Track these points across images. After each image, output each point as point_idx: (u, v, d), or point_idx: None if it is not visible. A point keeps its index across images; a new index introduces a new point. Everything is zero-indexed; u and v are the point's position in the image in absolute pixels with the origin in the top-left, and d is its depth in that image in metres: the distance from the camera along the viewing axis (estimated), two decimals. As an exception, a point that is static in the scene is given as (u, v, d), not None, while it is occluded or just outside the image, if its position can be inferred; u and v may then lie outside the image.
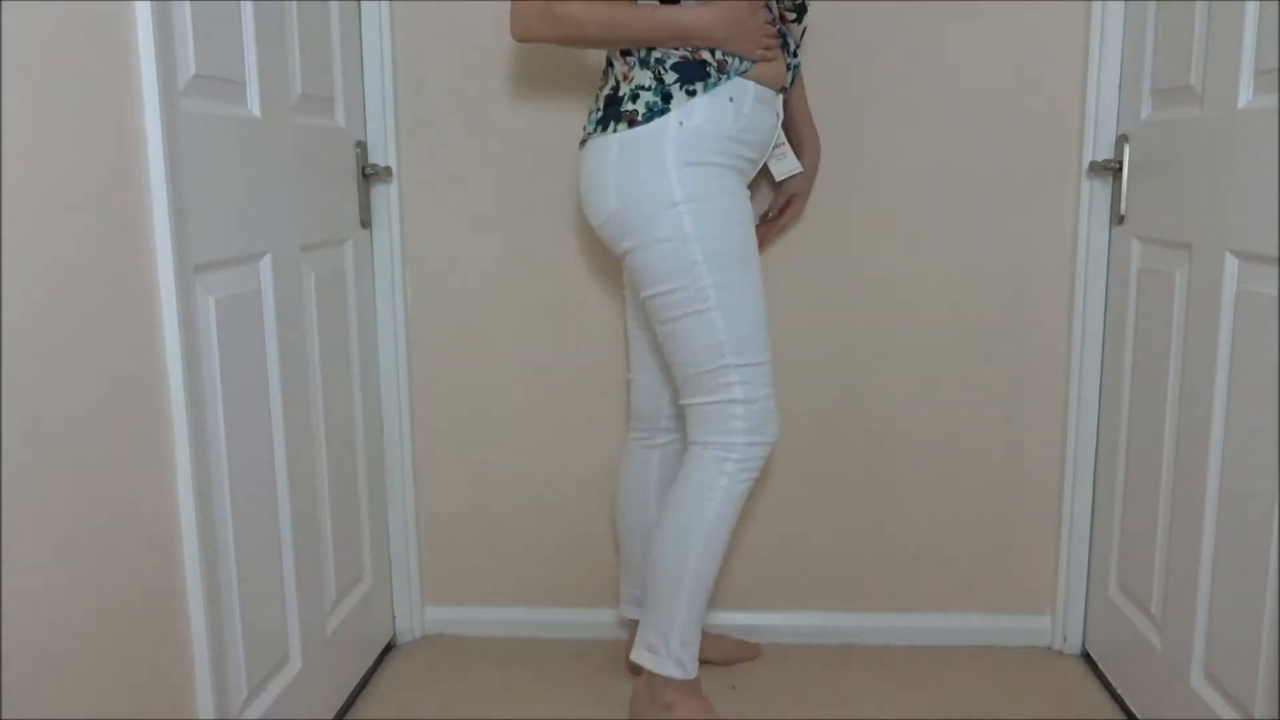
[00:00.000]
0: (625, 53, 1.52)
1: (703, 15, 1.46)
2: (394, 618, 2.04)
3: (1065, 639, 1.98)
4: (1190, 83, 1.52)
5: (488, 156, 1.90)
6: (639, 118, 1.48)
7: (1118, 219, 1.78)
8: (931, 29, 1.82)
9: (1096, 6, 1.77)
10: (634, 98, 1.50)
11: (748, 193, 1.56)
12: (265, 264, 1.47)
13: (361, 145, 1.83)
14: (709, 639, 1.88)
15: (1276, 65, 1.30)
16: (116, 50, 1.13)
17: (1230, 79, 1.41)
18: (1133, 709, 1.73)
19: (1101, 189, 1.82)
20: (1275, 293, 1.31)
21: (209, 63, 1.30)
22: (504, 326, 1.97)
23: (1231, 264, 1.41)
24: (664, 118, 1.48)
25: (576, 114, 1.87)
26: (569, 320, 1.95)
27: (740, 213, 1.53)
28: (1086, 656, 1.95)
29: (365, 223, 1.87)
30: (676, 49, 1.49)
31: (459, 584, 2.06)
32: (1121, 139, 1.75)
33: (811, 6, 1.82)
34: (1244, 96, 1.38)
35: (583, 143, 1.57)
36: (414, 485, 2.01)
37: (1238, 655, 1.40)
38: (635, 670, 1.84)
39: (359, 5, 1.82)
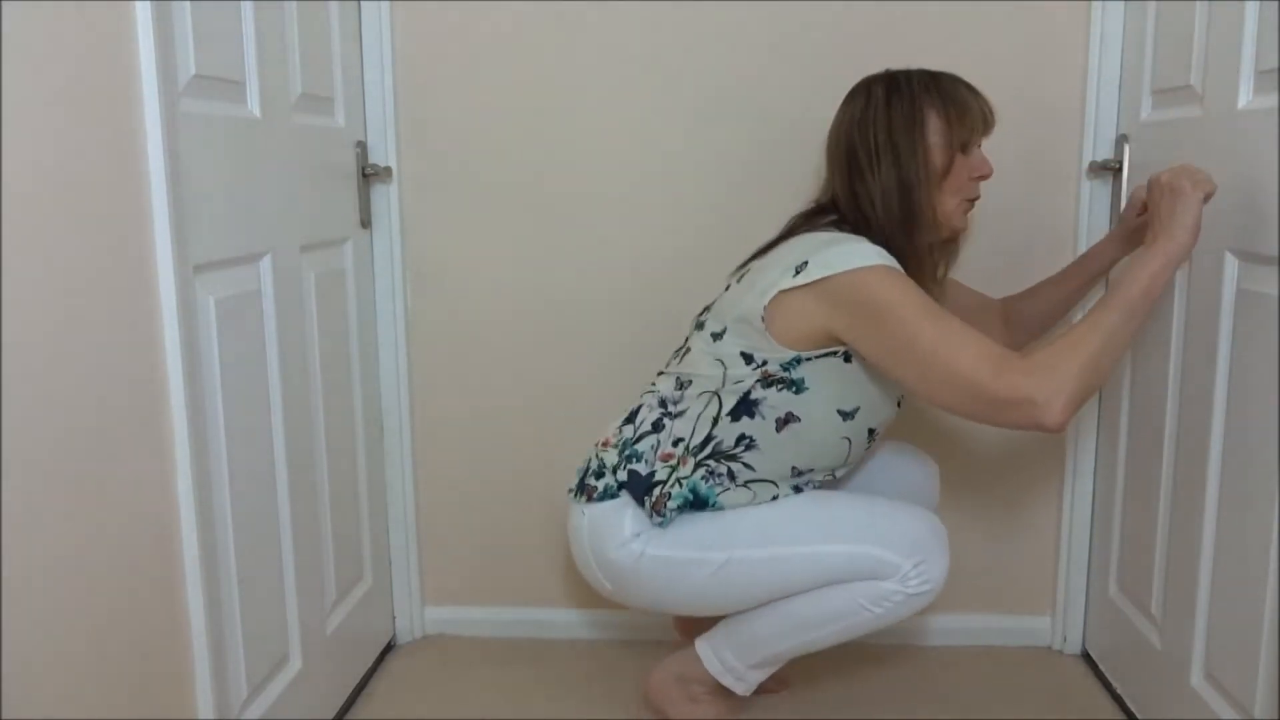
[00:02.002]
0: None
1: (1156, 259, 1.33)
2: (394, 618, 2.04)
3: (1065, 639, 1.98)
4: (1190, 83, 1.52)
5: (488, 156, 1.90)
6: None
7: (1118, 219, 1.78)
8: (931, 29, 1.81)
9: (1096, 6, 1.76)
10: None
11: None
12: (265, 264, 1.47)
13: (361, 145, 1.83)
14: None
15: (1276, 65, 1.30)
16: (116, 50, 1.13)
17: (1230, 79, 1.41)
18: (1133, 709, 1.73)
19: (1101, 189, 1.82)
20: (1275, 293, 1.31)
21: (209, 63, 1.30)
22: (504, 326, 1.97)
23: (1231, 264, 1.41)
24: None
25: (577, 113, 1.87)
26: (569, 320, 1.95)
27: None
28: (1086, 656, 1.95)
29: (365, 223, 1.87)
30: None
31: (459, 584, 2.06)
32: (1121, 139, 1.75)
33: (811, 6, 1.82)
34: (1244, 96, 1.38)
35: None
36: (414, 485, 2.01)
37: (1238, 655, 1.40)
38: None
39: (359, 5, 1.82)
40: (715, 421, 1.48)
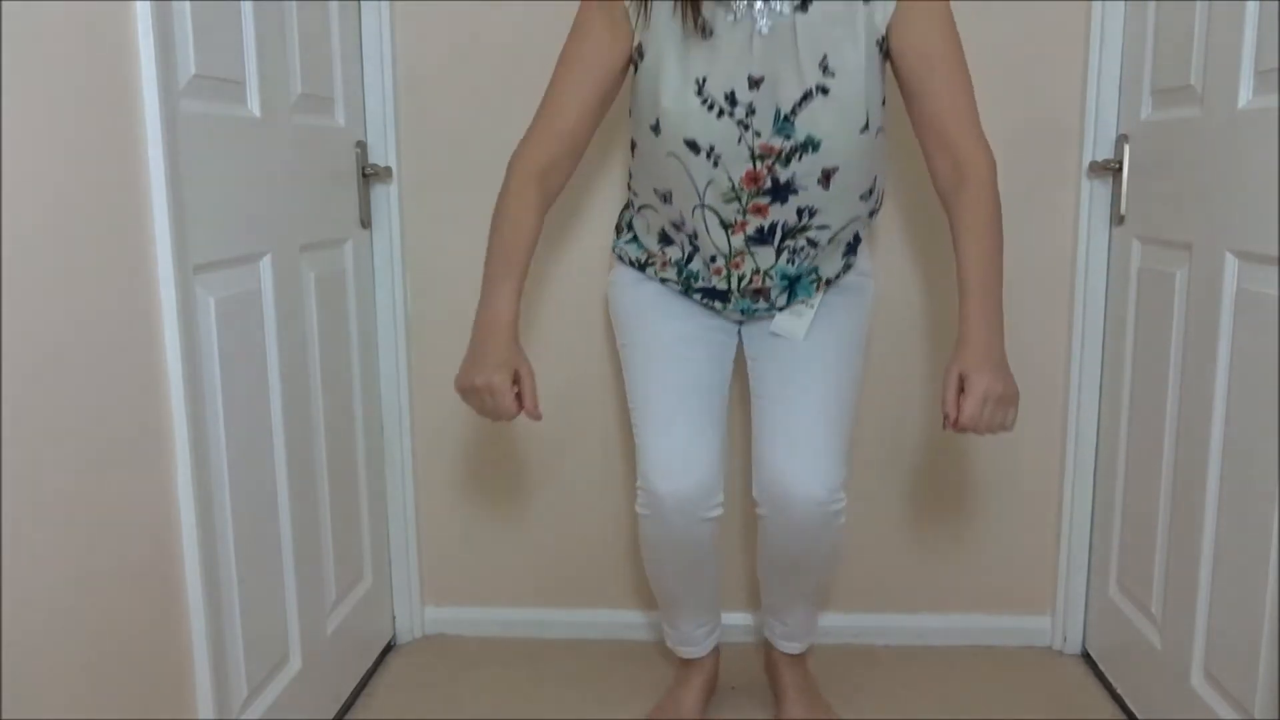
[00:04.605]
0: None
1: (478, 320, 1.46)
2: (394, 618, 2.04)
3: (1065, 639, 1.98)
4: (1190, 83, 1.52)
5: (488, 156, 1.90)
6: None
7: (1118, 219, 1.78)
8: (931, 29, 1.81)
9: (1096, 6, 1.76)
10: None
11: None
12: (265, 264, 1.47)
13: (361, 145, 1.83)
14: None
15: (1276, 65, 1.30)
16: (116, 50, 1.13)
17: (1230, 79, 1.41)
18: (1133, 709, 1.73)
19: (1101, 189, 1.82)
20: (1275, 293, 1.31)
21: (209, 63, 1.30)
22: (504, 326, 1.96)
23: (1231, 264, 1.41)
24: None
25: (576, 114, 1.87)
26: (569, 320, 1.95)
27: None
28: (1086, 656, 1.95)
29: (365, 223, 1.87)
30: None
31: (459, 584, 2.06)
32: (1121, 139, 1.75)
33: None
34: (1244, 96, 1.38)
35: None
36: (414, 485, 2.01)
37: (1238, 655, 1.40)
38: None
39: (359, 5, 1.82)
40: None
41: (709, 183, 1.44)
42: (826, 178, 1.43)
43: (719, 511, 1.51)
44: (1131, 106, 1.73)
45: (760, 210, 1.45)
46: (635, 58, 1.45)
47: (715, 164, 1.42)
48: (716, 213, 1.46)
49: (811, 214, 1.46)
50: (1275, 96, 1.31)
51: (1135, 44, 1.72)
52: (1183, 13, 1.55)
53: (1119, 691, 1.79)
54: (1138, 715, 1.72)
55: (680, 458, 1.48)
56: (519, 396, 1.39)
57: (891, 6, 1.40)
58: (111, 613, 1.14)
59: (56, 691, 1.05)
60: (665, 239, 1.56)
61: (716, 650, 1.73)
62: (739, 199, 1.44)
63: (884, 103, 1.46)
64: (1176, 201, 1.57)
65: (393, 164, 1.88)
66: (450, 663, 1.97)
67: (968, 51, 1.84)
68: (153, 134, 1.18)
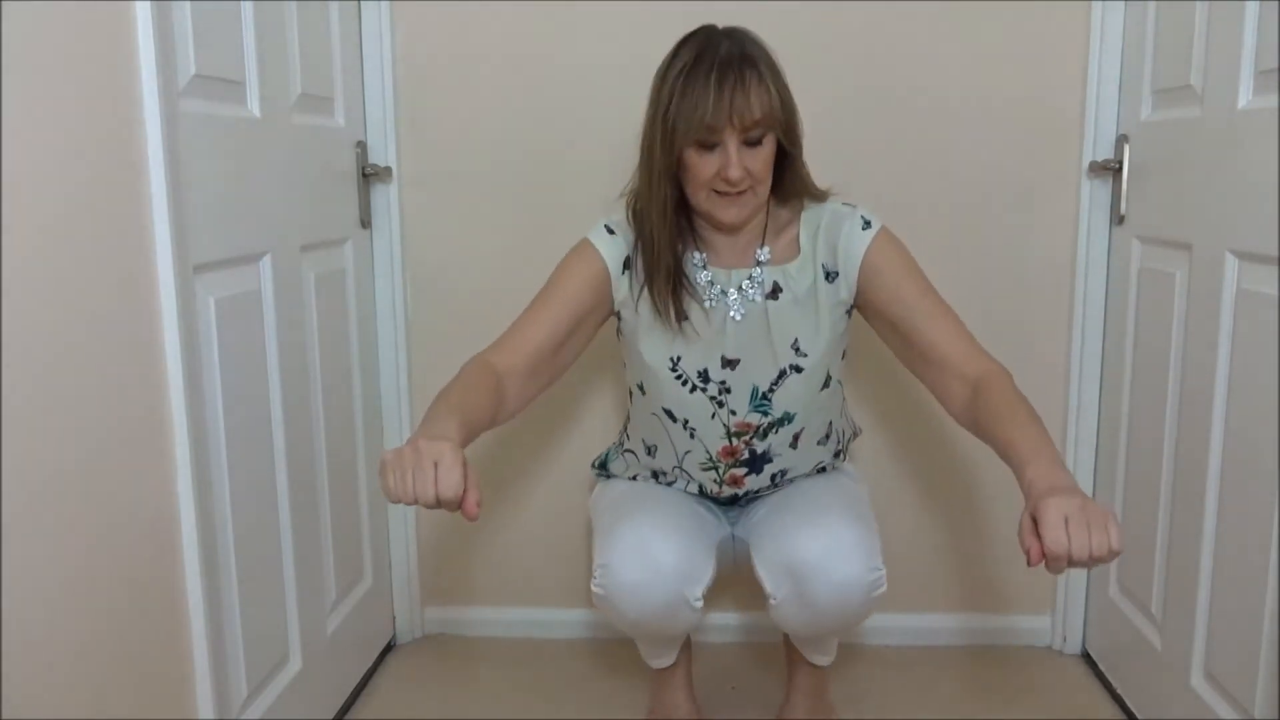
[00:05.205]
0: None
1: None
2: (394, 618, 2.04)
3: (1065, 639, 1.98)
4: (1190, 83, 1.52)
5: (488, 156, 1.90)
6: None
7: (1118, 219, 1.78)
8: (931, 29, 1.81)
9: (1096, 6, 1.76)
10: None
11: None
12: (265, 264, 1.47)
13: (361, 145, 1.83)
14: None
15: (1276, 65, 1.30)
16: (116, 50, 1.13)
17: (1230, 79, 1.41)
18: (1133, 709, 1.73)
19: (1101, 189, 1.82)
20: (1275, 293, 1.31)
21: (209, 63, 1.30)
22: (504, 326, 1.96)
23: (1231, 264, 1.41)
24: None
25: (577, 113, 1.87)
26: (569, 320, 1.95)
27: None
28: (1086, 656, 1.95)
29: (365, 223, 1.87)
30: None
31: (459, 584, 2.06)
32: (1121, 139, 1.75)
33: (812, 5, 1.81)
34: (1244, 96, 1.38)
35: None
36: (414, 485, 2.01)
37: (1238, 655, 1.40)
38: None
39: (359, 5, 1.82)
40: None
41: (687, 452, 1.52)
42: (795, 440, 1.52)
43: (699, 603, 1.40)
44: (1131, 106, 1.73)
45: (737, 481, 1.53)
46: (617, 322, 1.52)
47: (691, 435, 1.50)
48: (695, 480, 1.55)
49: (784, 475, 1.55)
50: (1275, 96, 1.31)
51: (1135, 44, 1.72)
52: (1183, 13, 1.55)
53: (1119, 691, 1.79)
54: (1138, 715, 1.72)
55: (650, 543, 1.37)
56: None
57: (854, 275, 1.45)
58: (112, 613, 1.14)
59: (56, 691, 1.05)
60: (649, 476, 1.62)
61: (688, 646, 1.70)
62: (716, 469, 1.52)
63: (843, 356, 1.53)
64: (1176, 201, 1.57)
65: (393, 164, 1.88)
66: (450, 663, 1.97)
67: (968, 52, 1.85)
68: (153, 134, 1.18)
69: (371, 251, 1.90)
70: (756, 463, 1.51)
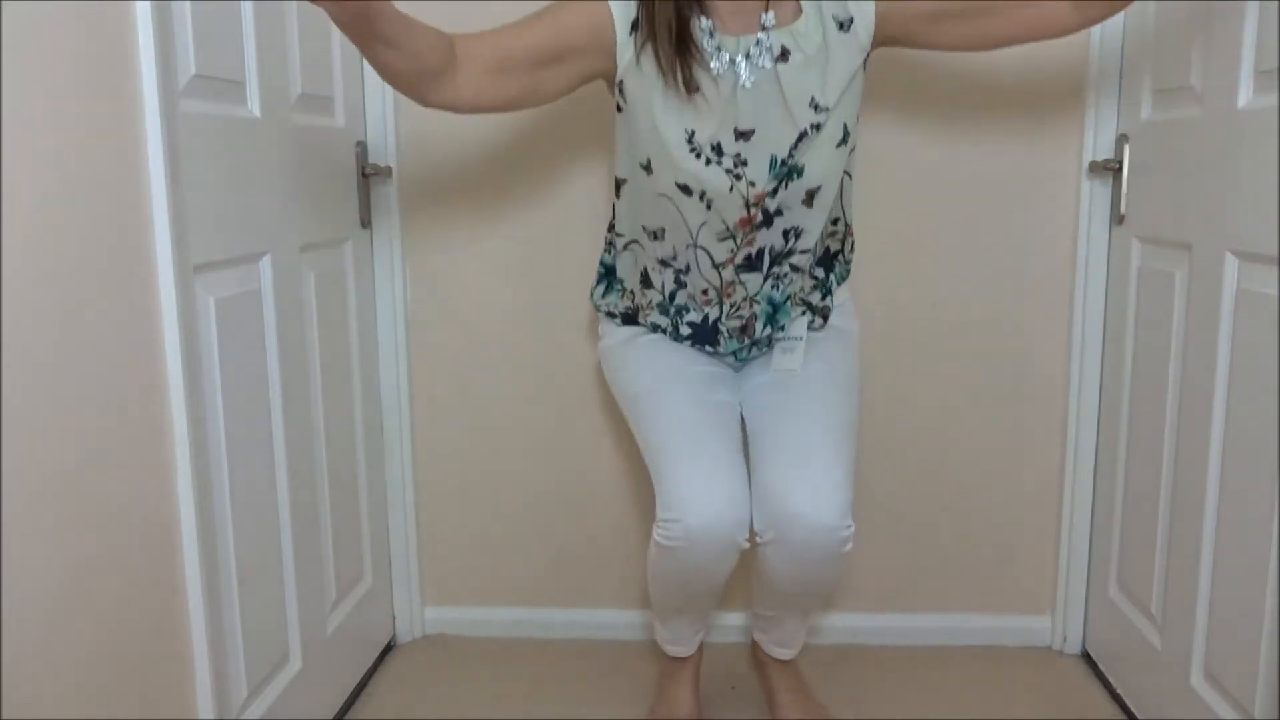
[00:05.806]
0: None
1: None
2: (394, 618, 2.04)
3: (1065, 639, 1.98)
4: (1190, 83, 1.52)
5: (488, 157, 1.90)
6: None
7: (1118, 219, 1.78)
8: (931, 29, 1.81)
9: (1096, 6, 1.76)
10: None
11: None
12: (265, 264, 1.47)
13: (361, 145, 1.83)
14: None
15: (1276, 65, 1.30)
16: (116, 50, 1.13)
17: (1230, 79, 1.41)
18: (1133, 709, 1.73)
19: (1101, 189, 1.82)
20: (1275, 293, 1.31)
21: (209, 63, 1.30)
22: (504, 326, 1.97)
23: (1231, 264, 1.41)
24: None
25: (577, 112, 1.87)
26: (569, 320, 1.95)
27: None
28: (1086, 656, 1.95)
29: (365, 223, 1.87)
30: None
31: (459, 584, 2.06)
32: (1121, 139, 1.75)
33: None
34: (1244, 96, 1.38)
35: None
36: (414, 485, 2.01)
37: (1238, 655, 1.40)
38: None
39: (359, 5, 1.82)
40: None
41: (702, 224, 1.47)
42: (810, 198, 1.47)
43: (747, 544, 1.45)
44: (1131, 106, 1.73)
45: (750, 241, 1.49)
46: (618, 96, 1.46)
47: (709, 207, 1.46)
48: (709, 252, 1.50)
49: (797, 235, 1.50)
50: (1275, 96, 1.31)
51: (1135, 44, 1.72)
52: (1183, 13, 1.55)
53: (1119, 691, 1.79)
54: (1138, 715, 1.72)
55: (710, 486, 1.42)
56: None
57: (870, 20, 1.42)
58: (112, 613, 1.14)
59: (56, 691, 1.05)
60: (645, 281, 1.57)
61: (701, 642, 1.72)
62: (734, 238, 1.49)
63: (857, 118, 1.49)
64: (1176, 201, 1.57)
65: (393, 164, 1.88)
66: (450, 663, 1.97)
67: (968, 52, 1.84)
68: (153, 134, 1.18)
69: (371, 251, 1.90)
70: (769, 219, 1.47)
